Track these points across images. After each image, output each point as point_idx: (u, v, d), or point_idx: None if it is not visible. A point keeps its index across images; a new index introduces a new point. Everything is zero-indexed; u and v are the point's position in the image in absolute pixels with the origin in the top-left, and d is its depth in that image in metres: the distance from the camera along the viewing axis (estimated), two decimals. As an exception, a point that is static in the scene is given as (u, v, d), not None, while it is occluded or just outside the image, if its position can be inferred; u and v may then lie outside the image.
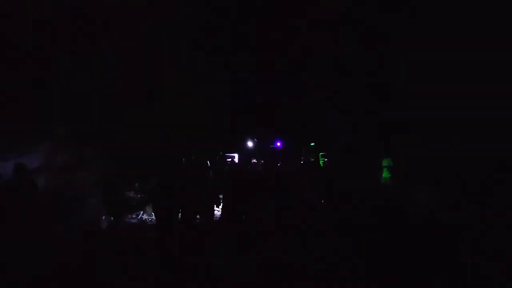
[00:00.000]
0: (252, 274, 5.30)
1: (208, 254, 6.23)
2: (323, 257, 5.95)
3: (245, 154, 13.83)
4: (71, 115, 9.40)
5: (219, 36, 12.84)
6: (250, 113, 14.36)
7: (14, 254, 5.14)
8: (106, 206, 8.16)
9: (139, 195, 11.01)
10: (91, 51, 9.57)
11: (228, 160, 11.06)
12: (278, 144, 14.12)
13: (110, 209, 8.07)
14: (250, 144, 14.40)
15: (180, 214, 7.43)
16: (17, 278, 5.01)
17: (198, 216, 7.39)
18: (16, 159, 6.98)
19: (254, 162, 10.56)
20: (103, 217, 9.46)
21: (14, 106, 8.16)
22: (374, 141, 13.17)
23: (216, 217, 8.29)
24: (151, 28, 10.40)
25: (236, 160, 12.62)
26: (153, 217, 9.77)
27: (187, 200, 7.21)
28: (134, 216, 10.28)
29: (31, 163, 8.17)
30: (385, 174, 12.47)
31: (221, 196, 8.02)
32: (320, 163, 12.91)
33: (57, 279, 5.14)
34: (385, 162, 12.56)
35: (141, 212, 10.51)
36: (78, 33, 9.29)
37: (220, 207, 7.85)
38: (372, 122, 14.39)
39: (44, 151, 9.14)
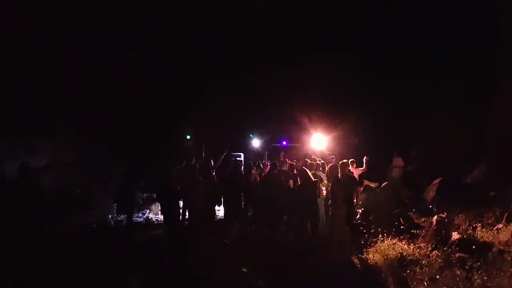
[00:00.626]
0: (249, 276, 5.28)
1: (210, 254, 6.23)
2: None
3: (251, 153, 13.76)
4: (78, 116, 9.53)
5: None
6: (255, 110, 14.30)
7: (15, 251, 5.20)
8: (117, 205, 8.24)
9: (145, 194, 11.09)
10: (97, 51, 9.67)
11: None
12: (284, 143, 13.71)
13: (122, 207, 8.15)
14: (256, 143, 14.25)
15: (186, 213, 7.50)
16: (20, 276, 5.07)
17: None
18: (24, 158, 7.10)
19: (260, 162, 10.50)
20: (110, 216, 9.57)
21: (22, 106, 8.28)
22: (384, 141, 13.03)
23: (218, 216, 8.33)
24: (156, 28, 10.48)
25: (242, 159, 12.58)
26: (159, 216, 9.84)
27: (191, 200, 7.26)
28: (140, 214, 10.35)
29: (39, 161, 8.32)
30: (394, 174, 12.31)
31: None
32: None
33: (62, 278, 5.19)
34: (396, 162, 12.42)
35: (147, 211, 10.59)
36: (83, 33, 9.39)
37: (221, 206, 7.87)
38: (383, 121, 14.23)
39: (52, 150, 9.29)
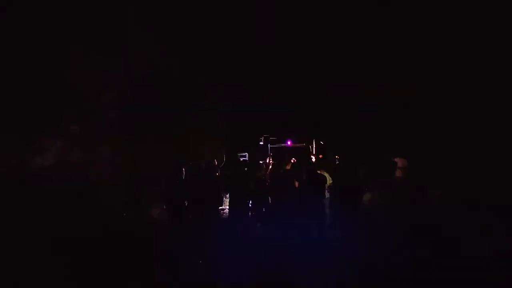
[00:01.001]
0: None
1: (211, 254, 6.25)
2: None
3: (257, 154, 13.71)
4: (84, 114, 9.61)
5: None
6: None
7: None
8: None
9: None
10: (113, 48, 9.77)
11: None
12: (289, 143, 13.49)
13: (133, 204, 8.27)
14: (261, 143, 14.17)
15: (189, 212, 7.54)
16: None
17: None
18: (32, 156, 7.16)
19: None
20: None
21: (27, 105, 8.35)
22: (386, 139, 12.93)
23: (225, 214, 8.34)
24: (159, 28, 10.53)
25: (246, 159, 12.55)
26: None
27: (196, 199, 7.31)
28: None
29: (45, 161, 8.38)
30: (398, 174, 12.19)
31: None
32: None
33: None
34: (399, 163, 12.29)
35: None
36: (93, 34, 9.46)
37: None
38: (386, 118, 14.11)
39: (58, 150, 9.33)
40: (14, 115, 8.34)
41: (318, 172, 8.02)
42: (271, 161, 8.88)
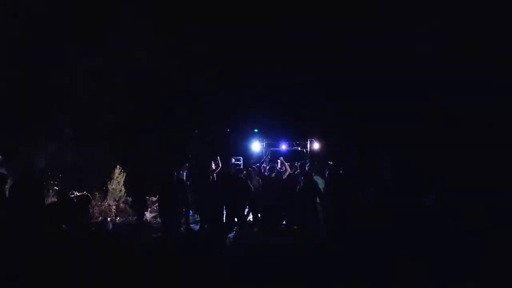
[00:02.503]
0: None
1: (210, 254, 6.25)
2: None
3: (251, 157, 13.70)
4: (78, 117, 9.60)
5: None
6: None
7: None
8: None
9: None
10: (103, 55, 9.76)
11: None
12: (283, 146, 13.26)
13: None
14: (256, 147, 14.10)
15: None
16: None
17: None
18: (26, 159, 7.13)
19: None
20: (108, 219, 9.56)
21: (22, 107, 8.33)
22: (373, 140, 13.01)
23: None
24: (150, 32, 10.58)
25: (241, 162, 12.49)
26: (157, 219, 9.84)
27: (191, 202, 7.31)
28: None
29: (38, 163, 8.35)
30: (386, 175, 12.20)
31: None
32: None
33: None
34: (385, 163, 12.32)
35: (146, 213, 10.57)
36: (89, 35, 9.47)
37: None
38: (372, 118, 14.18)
39: (52, 152, 9.31)
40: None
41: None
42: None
